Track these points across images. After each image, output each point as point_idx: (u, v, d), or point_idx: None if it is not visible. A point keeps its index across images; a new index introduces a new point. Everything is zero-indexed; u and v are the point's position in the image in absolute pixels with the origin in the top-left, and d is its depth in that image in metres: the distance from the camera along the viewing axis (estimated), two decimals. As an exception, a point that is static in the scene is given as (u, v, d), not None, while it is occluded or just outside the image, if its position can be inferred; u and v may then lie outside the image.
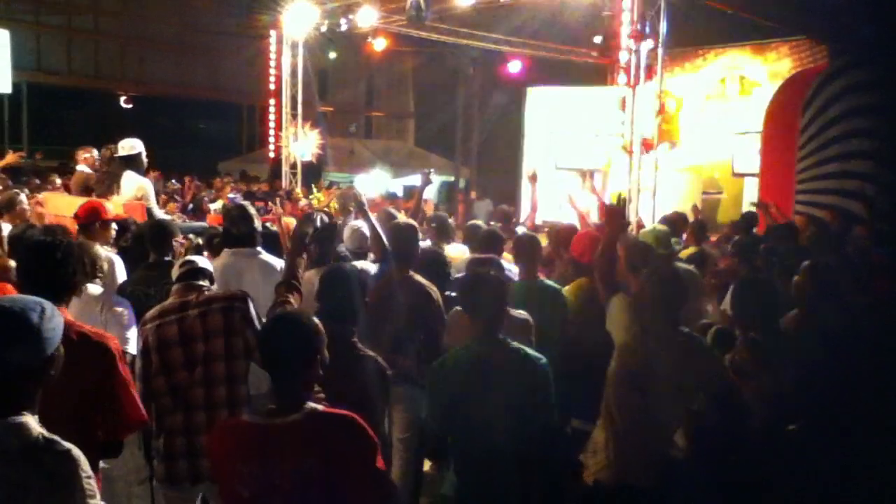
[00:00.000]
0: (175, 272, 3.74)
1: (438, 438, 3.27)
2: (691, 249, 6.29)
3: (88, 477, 2.01)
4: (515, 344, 3.22)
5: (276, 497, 2.36)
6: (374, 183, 18.71)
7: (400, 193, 17.19)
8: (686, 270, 4.95)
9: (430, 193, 19.99)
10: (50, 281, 2.86)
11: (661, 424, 3.25)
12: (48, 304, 2.10)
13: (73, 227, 6.07)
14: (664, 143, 12.90)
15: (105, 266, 4.41)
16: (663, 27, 10.16)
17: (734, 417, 3.03)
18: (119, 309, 3.77)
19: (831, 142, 10.33)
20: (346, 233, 5.53)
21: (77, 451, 2.01)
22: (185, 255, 4.48)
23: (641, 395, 3.22)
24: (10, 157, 9.21)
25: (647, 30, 9.97)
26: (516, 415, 3.04)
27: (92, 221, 5.04)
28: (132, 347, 3.65)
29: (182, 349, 3.47)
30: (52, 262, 2.90)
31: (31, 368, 2.02)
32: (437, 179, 21.11)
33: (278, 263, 4.86)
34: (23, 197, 6.73)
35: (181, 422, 3.47)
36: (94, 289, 3.75)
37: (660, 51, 9.84)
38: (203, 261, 3.81)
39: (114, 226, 5.27)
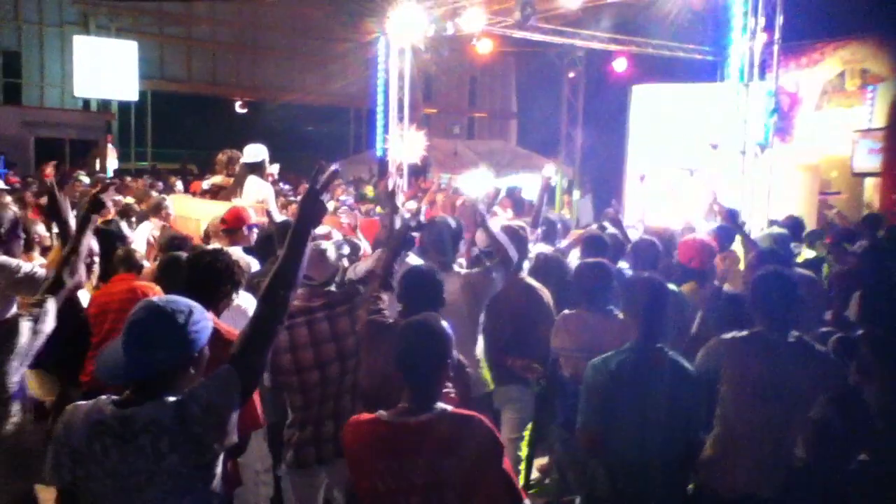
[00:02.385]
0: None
1: (593, 435, 3.33)
2: (812, 253, 6.12)
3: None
4: (673, 353, 3.26)
5: (411, 493, 2.46)
6: (476, 183, 18.83)
7: (503, 194, 17.23)
8: (802, 275, 4.84)
9: (534, 193, 20.00)
10: (207, 292, 3.16)
11: (778, 432, 3.21)
12: (197, 307, 2.27)
13: (196, 228, 6.51)
14: (778, 141, 12.49)
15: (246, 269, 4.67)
16: (779, 20, 9.84)
17: (856, 422, 2.95)
18: None
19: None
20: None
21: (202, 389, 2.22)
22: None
23: (759, 402, 3.19)
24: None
25: (763, 24, 9.67)
26: (666, 423, 3.11)
27: (238, 227, 5.37)
28: None
29: (313, 350, 3.69)
30: (211, 276, 3.28)
31: (177, 365, 2.20)
32: (540, 179, 21.10)
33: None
34: (168, 202, 7.24)
35: (312, 414, 3.71)
36: (242, 298, 3.95)
37: (775, 46, 9.51)
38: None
39: (255, 230, 5.60)
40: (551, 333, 4.43)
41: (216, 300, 3.30)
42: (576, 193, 18.71)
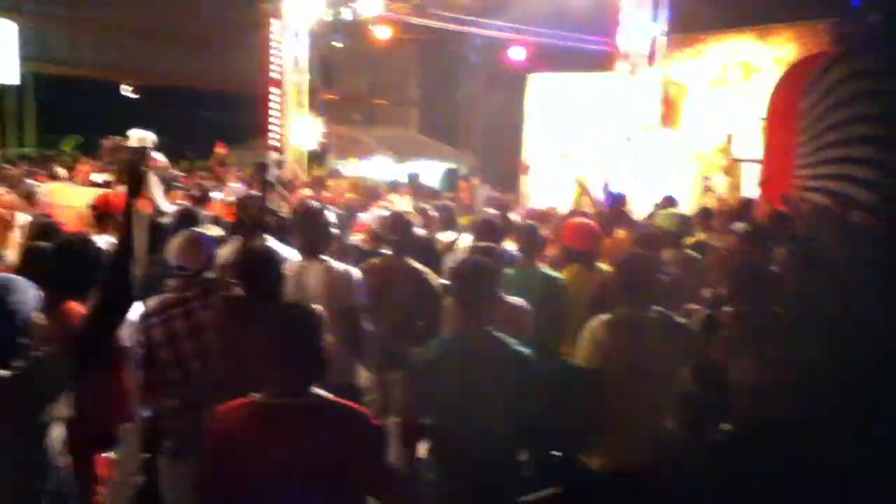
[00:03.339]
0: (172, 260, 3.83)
1: (413, 426, 3.22)
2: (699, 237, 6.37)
3: None
4: (502, 336, 3.17)
5: (285, 478, 2.43)
6: (378, 171, 18.76)
7: (402, 181, 17.20)
8: (686, 256, 5.04)
9: (434, 181, 20.05)
10: (75, 283, 3.02)
11: (647, 405, 3.32)
12: (16, 279, 2.32)
13: (79, 217, 6.22)
14: (666, 128, 12.96)
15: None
16: (665, 13, 10.18)
17: (715, 393, 3.09)
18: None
19: (833, 127, 10.34)
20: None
21: None
22: None
23: (628, 379, 3.29)
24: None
25: (650, 16, 10.00)
26: (499, 407, 3.03)
27: (107, 213, 5.14)
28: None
29: (192, 341, 3.59)
30: (79, 266, 3.19)
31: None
32: (440, 166, 21.16)
33: (285, 251, 4.99)
34: (43, 189, 6.90)
35: (194, 403, 3.58)
36: None
37: (662, 38, 9.84)
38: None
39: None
40: (440, 315, 4.46)
41: (86, 291, 3.14)
42: (474, 181, 18.84)
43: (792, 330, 3.54)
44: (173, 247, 3.84)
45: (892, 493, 3.10)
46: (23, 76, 20.06)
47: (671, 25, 10.47)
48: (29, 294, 2.34)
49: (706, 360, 3.27)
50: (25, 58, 19.79)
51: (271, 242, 4.90)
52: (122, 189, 6.78)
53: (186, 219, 5.10)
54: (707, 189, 11.35)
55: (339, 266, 4.36)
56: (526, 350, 3.17)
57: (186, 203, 8.15)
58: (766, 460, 3.20)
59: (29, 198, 6.68)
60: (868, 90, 9.95)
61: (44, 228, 4.86)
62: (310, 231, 4.49)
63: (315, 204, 4.77)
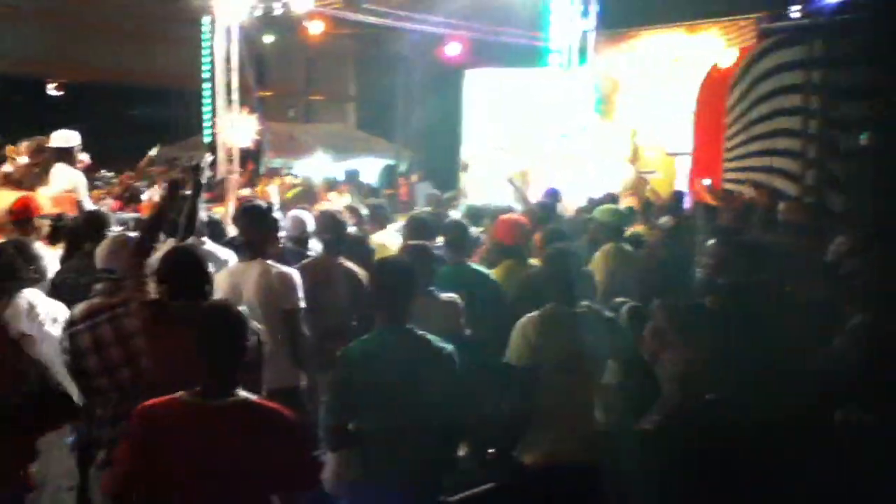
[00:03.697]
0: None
1: (337, 429, 3.21)
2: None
3: None
4: (421, 333, 3.19)
5: (207, 478, 2.44)
6: (316, 168, 18.59)
7: (341, 178, 17.09)
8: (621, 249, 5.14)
9: (373, 177, 19.98)
10: None
11: (578, 400, 3.37)
12: None
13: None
14: (601, 123, 13.17)
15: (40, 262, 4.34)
16: (596, 8, 10.33)
17: (643, 384, 3.16)
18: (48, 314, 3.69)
19: (758, 120, 10.66)
20: (287, 221, 5.57)
21: None
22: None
23: (558, 374, 3.33)
24: None
25: (582, 12, 10.13)
26: (422, 404, 3.06)
27: (28, 217, 4.98)
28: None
29: (121, 347, 3.48)
30: None
31: None
32: (378, 162, 21.07)
33: (221, 252, 4.92)
34: None
35: (125, 410, 3.48)
36: (32, 296, 3.65)
37: (592, 33, 9.98)
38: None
39: (47, 221, 5.21)
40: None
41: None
42: (413, 178, 18.84)
43: (718, 320, 3.62)
44: (100, 250, 3.74)
45: (819, 482, 3.21)
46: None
47: (601, 21, 10.61)
48: None
49: (635, 352, 3.33)
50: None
51: (208, 245, 4.82)
52: (43, 191, 6.61)
53: (94, 222, 4.94)
54: (643, 182, 11.58)
55: (277, 268, 4.31)
56: (448, 346, 3.20)
57: (107, 205, 7.97)
58: (694, 449, 3.29)
59: None
60: (791, 84, 10.30)
61: None
62: (251, 232, 4.44)
63: (259, 203, 4.69)
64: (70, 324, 3.55)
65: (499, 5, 13.35)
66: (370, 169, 20.27)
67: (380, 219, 6.76)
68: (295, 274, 4.31)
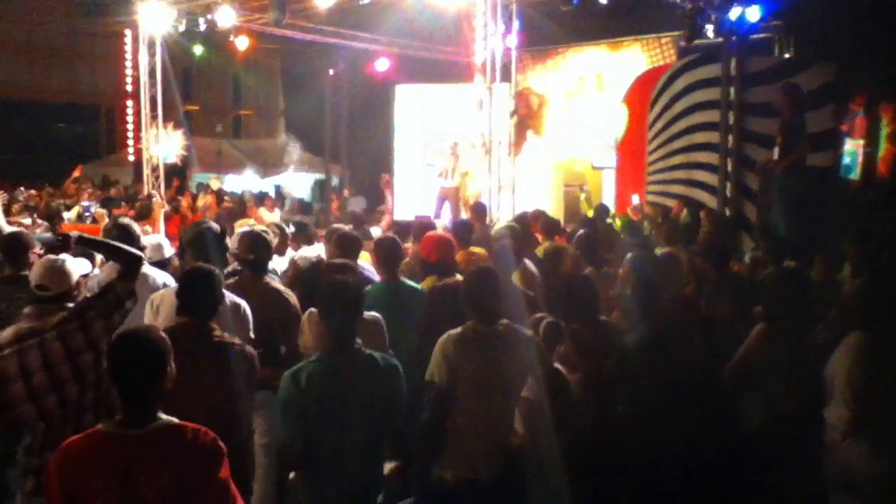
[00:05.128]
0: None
1: (294, 450, 3.25)
2: (545, 245, 6.57)
3: None
4: (368, 352, 3.25)
5: None
6: (244, 184, 18.39)
7: (272, 194, 16.93)
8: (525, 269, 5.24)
9: (304, 192, 19.86)
10: None
11: (496, 416, 3.43)
12: None
13: None
14: (525, 139, 13.40)
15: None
16: (515, 25, 10.53)
17: (560, 400, 3.23)
18: None
19: (678, 135, 11.01)
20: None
21: None
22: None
23: (475, 393, 3.38)
24: None
25: (503, 29, 10.31)
26: (369, 423, 3.11)
27: None
28: None
29: (47, 373, 3.37)
30: None
31: None
32: (309, 177, 20.95)
33: (160, 277, 4.82)
34: None
35: (53, 438, 3.38)
36: None
37: (513, 50, 10.16)
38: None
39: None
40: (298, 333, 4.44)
41: None
42: (345, 192, 18.80)
43: (621, 343, 3.69)
44: (34, 270, 3.64)
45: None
46: None
47: (526, 38, 10.82)
48: None
49: (551, 369, 3.41)
50: None
51: (147, 269, 4.69)
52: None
53: (14, 246, 4.79)
54: (582, 196, 11.82)
55: (232, 298, 4.21)
56: (394, 361, 3.29)
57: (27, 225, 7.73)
58: (607, 465, 3.39)
59: None
60: (708, 100, 10.67)
61: None
62: (197, 254, 4.37)
63: (209, 225, 4.60)
64: None
65: (426, 22, 13.47)
66: (301, 184, 20.16)
67: (306, 236, 6.74)
68: (244, 304, 4.25)
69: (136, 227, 4.93)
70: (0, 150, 6.36)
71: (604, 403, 3.30)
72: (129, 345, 2.59)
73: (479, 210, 7.95)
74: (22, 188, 12.37)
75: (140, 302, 3.89)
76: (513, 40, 10.31)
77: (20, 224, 8.11)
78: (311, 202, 18.40)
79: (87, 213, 9.74)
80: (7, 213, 7.67)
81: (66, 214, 10.04)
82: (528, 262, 5.34)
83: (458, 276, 4.87)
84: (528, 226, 6.96)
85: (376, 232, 6.93)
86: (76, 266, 3.71)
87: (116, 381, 2.56)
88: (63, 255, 3.74)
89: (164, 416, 2.54)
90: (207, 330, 3.47)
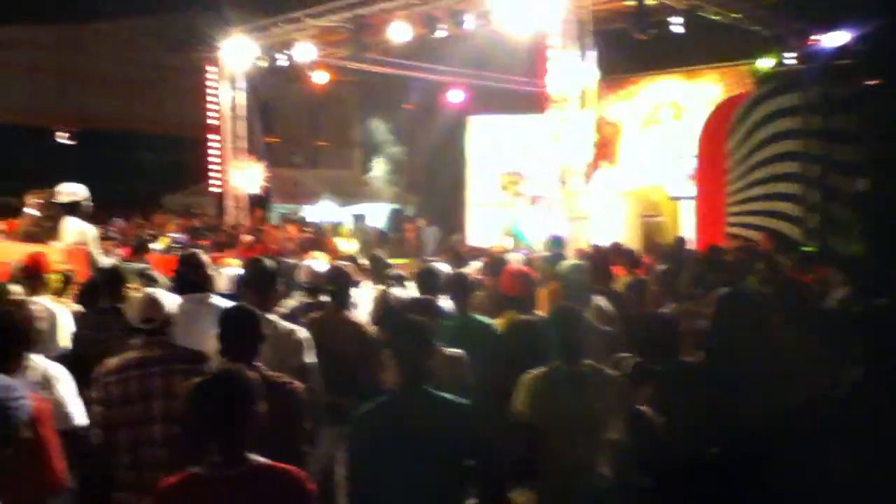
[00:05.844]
0: (134, 319, 3.77)
1: (356, 489, 3.20)
2: (625, 278, 6.48)
3: None
4: (438, 393, 3.19)
5: None
6: (323, 214, 18.75)
7: (347, 224, 17.22)
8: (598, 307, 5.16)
9: (379, 220, 20.13)
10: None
11: (581, 457, 3.39)
12: (14, 384, 2.26)
13: (6, 272, 6.07)
14: (602, 168, 13.31)
15: (44, 325, 4.37)
16: (593, 56, 10.52)
17: (648, 445, 3.17)
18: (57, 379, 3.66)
19: (759, 165, 10.77)
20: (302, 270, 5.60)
21: None
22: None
23: (563, 432, 3.36)
24: None
25: (579, 58, 10.32)
26: (438, 463, 3.05)
27: (38, 273, 5.05)
28: (79, 419, 3.56)
29: (143, 405, 3.51)
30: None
31: None
32: (385, 207, 21.24)
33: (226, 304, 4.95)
34: None
35: (134, 478, 3.49)
36: (36, 360, 3.69)
37: (592, 80, 10.16)
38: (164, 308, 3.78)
39: (57, 276, 5.29)
40: (381, 370, 4.48)
41: (4, 362, 3.10)
42: (421, 222, 18.98)
43: (702, 380, 3.59)
44: (138, 303, 3.77)
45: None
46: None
47: (602, 67, 10.80)
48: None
49: (635, 409, 3.35)
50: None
51: (215, 299, 4.83)
52: (54, 245, 6.70)
53: (112, 279, 5.01)
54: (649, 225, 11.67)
55: (284, 325, 4.25)
56: (464, 402, 3.21)
57: (119, 257, 8.05)
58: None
59: None
60: (790, 129, 10.42)
61: None
62: (261, 288, 4.35)
63: (266, 261, 4.68)
64: (104, 374, 3.59)
65: (500, 53, 13.59)
66: (377, 213, 20.45)
67: (379, 270, 6.75)
68: (303, 332, 4.25)
69: (201, 256, 5.02)
70: (91, 178, 6.76)
71: (692, 446, 3.22)
72: (221, 385, 2.61)
73: (557, 242, 7.90)
74: (115, 218, 12.87)
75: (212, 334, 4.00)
76: (589, 70, 10.29)
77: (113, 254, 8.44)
78: (386, 232, 18.62)
79: (175, 245, 10.09)
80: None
81: (153, 245, 10.41)
82: (600, 298, 5.28)
83: (537, 312, 4.88)
84: (604, 259, 6.89)
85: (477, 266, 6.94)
86: (168, 298, 3.83)
87: (208, 422, 2.57)
88: (155, 289, 3.90)
89: (254, 457, 2.55)
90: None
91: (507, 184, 13.38)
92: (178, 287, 4.79)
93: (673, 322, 3.81)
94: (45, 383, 3.47)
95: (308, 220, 17.58)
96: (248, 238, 11.01)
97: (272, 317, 4.27)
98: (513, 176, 12.67)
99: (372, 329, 4.78)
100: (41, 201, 7.59)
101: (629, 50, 12.98)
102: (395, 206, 21.54)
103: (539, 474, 3.51)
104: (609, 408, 3.36)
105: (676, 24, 10.94)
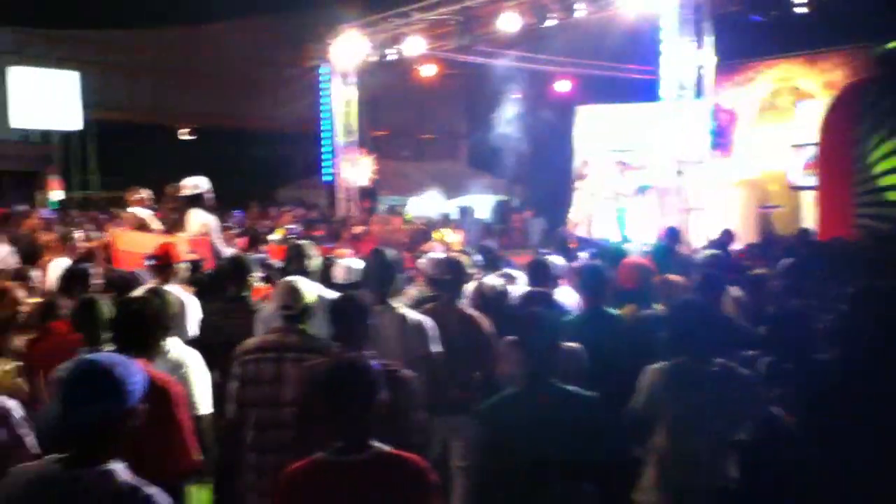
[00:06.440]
0: (272, 306, 3.89)
1: (483, 484, 3.23)
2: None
3: None
4: (565, 386, 3.18)
5: None
6: (429, 206, 18.91)
7: (454, 216, 17.32)
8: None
9: (485, 214, 20.16)
10: (134, 339, 3.13)
11: (703, 457, 3.28)
12: (130, 362, 2.33)
13: (141, 263, 6.41)
14: (717, 157, 12.84)
15: (176, 310, 4.58)
16: (710, 40, 10.15)
17: (780, 448, 3.03)
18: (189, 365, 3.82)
19: (890, 154, 10.11)
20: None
21: (161, 496, 2.24)
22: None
23: (684, 431, 3.26)
24: None
25: (695, 44, 9.99)
26: (565, 457, 3.03)
27: (167, 263, 5.30)
28: (204, 408, 3.69)
29: (274, 388, 3.64)
30: (139, 323, 3.27)
31: (113, 420, 2.23)
32: (490, 199, 21.23)
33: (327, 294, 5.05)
34: (77, 234, 7.17)
35: (255, 460, 3.63)
36: (174, 345, 3.82)
37: (708, 65, 9.81)
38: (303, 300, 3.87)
39: (185, 265, 5.54)
40: (495, 362, 4.47)
41: (146, 347, 3.27)
42: (527, 213, 18.88)
43: (838, 379, 3.39)
44: (277, 290, 3.93)
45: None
46: (85, 122, 20.92)
47: (718, 53, 10.41)
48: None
49: (768, 411, 3.19)
50: (88, 105, 20.64)
51: (324, 290, 4.94)
52: (180, 235, 7.03)
53: (238, 268, 5.21)
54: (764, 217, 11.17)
55: (412, 315, 4.31)
56: (590, 394, 3.19)
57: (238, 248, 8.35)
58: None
59: (65, 242, 6.99)
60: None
61: (124, 281, 4.97)
62: (382, 278, 4.42)
63: (387, 250, 4.75)
64: (242, 353, 3.77)
65: (608, 41, 13.31)
66: (482, 205, 20.47)
67: (490, 262, 6.72)
68: (429, 321, 4.30)
69: (307, 246, 5.14)
70: (209, 172, 7.10)
71: (827, 451, 3.06)
72: (346, 372, 2.67)
73: (672, 235, 7.67)
74: (233, 211, 13.37)
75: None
76: (708, 55, 9.94)
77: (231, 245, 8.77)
78: (491, 223, 18.62)
79: (291, 235, 10.40)
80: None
81: (270, 237, 10.76)
82: (735, 290, 5.06)
83: (657, 306, 4.75)
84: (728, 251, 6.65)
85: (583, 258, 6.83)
86: (308, 287, 3.94)
87: (333, 408, 2.63)
88: (296, 277, 4.02)
89: (377, 444, 2.59)
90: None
91: (615, 174, 13.08)
92: (284, 276, 4.93)
93: (806, 318, 3.63)
94: (181, 368, 3.65)
95: (413, 212, 17.78)
96: (358, 229, 11.22)
97: (398, 306, 4.32)
98: (620, 166, 12.37)
99: (485, 322, 4.77)
100: (169, 194, 8.00)
101: (746, 34, 12.47)
102: (501, 197, 21.50)
103: (654, 474, 3.42)
104: (737, 408, 3.23)
105: (800, 5, 10.40)
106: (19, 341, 4.43)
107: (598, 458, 3.18)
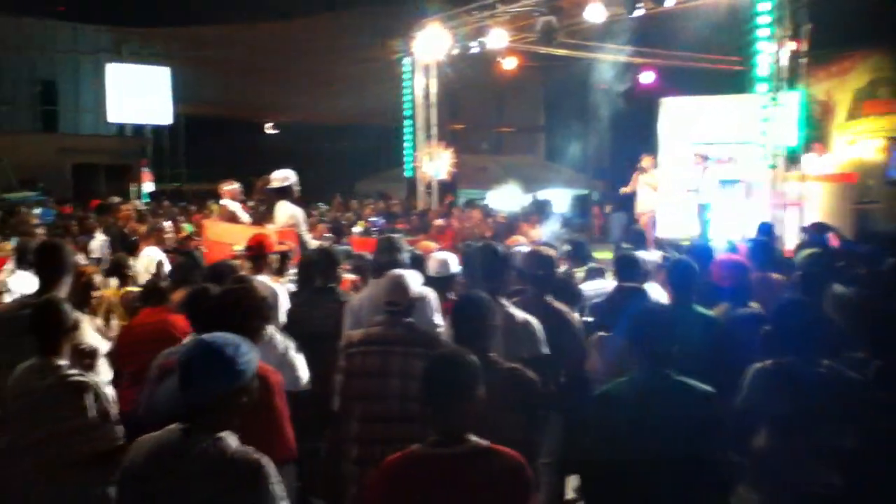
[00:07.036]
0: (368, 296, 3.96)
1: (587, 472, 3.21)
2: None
3: (278, 483, 2.40)
4: (682, 378, 3.12)
5: None
6: (507, 199, 18.83)
7: (531, 209, 17.15)
8: (840, 295, 4.74)
9: (564, 208, 19.97)
10: (236, 327, 3.22)
11: (806, 461, 3.17)
12: (243, 341, 2.50)
13: (230, 253, 6.58)
14: (811, 152, 12.37)
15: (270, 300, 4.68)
16: (806, 30, 9.79)
17: (889, 451, 2.89)
18: (289, 346, 3.96)
19: None
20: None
21: (269, 464, 2.39)
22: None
23: (786, 433, 3.15)
24: None
25: (790, 32, 9.64)
26: (683, 451, 2.96)
27: (262, 254, 5.44)
28: (305, 381, 3.90)
29: (379, 381, 3.66)
30: (241, 312, 3.37)
31: (230, 394, 2.41)
32: (569, 193, 21.02)
33: (423, 291, 5.06)
34: (166, 224, 7.59)
35: (358, 451, 3.66)
36: (269, 333, 3.91)
37: (802, 55, 9.44)
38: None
39: (276, 256, 5.68)
40: (584, 357, 4.42)
41: (249, 334, 3.33)
42: (607, 208, 18.62)
43: None
44: (384, 284, 3.94)
45: None
46: (176, 117, 21.69)
47: (813, 42, 10.02)
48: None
49: (876, 419, 3.05)
50: (178, 100, 21.40)
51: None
52: (269, 227, 7.19)
53: (327, 259, 5.30)
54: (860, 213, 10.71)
55: (518, 314, 4.21)
56: (708, 388, 3.12)
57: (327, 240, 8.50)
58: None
59: (154, 233, 7.27)
60: None
61: (219, 270, 5.12)
62: (492, 274, 4.34)
63: (498, 247, 4.69)
64: (348, 346, 3.81)
65: (693, 31, 12.96)
66: (561, 199, 20.30)
67: (579, 255, 6.65)
68: (535, 321, 4.19)
69: (398, 239, 5.16)
70: (293, 165, 7.25)
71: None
72: (446, 365, 2.68)
73: (766, 231, 7.42)
74: (319, 204, 13.60)
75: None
76: (802, 44, 9.57)
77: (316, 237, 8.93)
78: (571, 218, 18.42)
79: (373, 228, 10.53)
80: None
81: (353, 229, 10.91)
82: (838, 287, 4.84)
83: (753, 304, 4.60)
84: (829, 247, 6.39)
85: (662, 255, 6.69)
86: (413, 280, 3.94)
87: (432, 400, 2.64)
88: (402, 271, 4.00)
89: (473, 438, 2.58)
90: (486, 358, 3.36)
91: (693, 168, 12.68)
92: (375, 269, 4.98)
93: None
94: (284, 353, 3.76)
95: (491, 206, 17.73)
96: (439, 222, 11.26)
97: (506, 304, 4.21)
98: (700, 160, 12.00)
99: (575, 317, 4.71)
100: (258, 186, 8.20)
101: (842, 22, 11.95)
102: (580, 191, 21.27)
103: (759, 474, 3.32)
104: (844, 412, 3.09)
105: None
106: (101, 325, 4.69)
107: (712, 454, 3.10)
